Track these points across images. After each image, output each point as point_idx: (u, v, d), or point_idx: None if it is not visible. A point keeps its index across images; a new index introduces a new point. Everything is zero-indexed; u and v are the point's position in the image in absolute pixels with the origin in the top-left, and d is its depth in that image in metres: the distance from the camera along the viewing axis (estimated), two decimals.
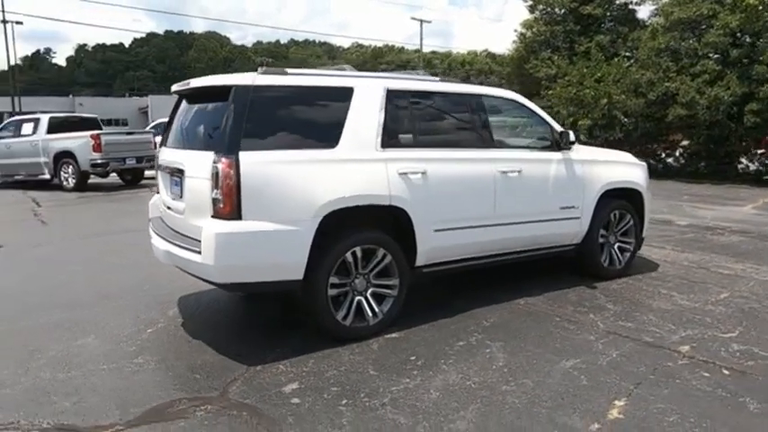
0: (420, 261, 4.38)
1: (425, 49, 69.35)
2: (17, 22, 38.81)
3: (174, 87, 4.46)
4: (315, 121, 4.01)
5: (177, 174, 4.11)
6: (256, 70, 3.90)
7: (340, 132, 3.99)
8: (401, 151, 4.23)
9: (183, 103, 4.50)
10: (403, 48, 73.55)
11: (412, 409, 3.15)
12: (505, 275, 5.65)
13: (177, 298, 5.10)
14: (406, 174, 4.17)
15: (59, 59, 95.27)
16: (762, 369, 3.57)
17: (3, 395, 3.39)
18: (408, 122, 4.36)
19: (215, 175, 3.57)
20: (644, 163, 6.02)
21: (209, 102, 4.07)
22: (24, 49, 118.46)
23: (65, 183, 14.01)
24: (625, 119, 16.04)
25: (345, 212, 3.92)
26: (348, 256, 3.99)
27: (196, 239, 3.71)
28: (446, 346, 3.98)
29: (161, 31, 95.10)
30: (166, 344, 4.17)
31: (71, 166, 13.81)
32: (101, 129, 15.15)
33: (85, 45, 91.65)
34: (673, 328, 4.30)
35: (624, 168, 5.75)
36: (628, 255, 5.77)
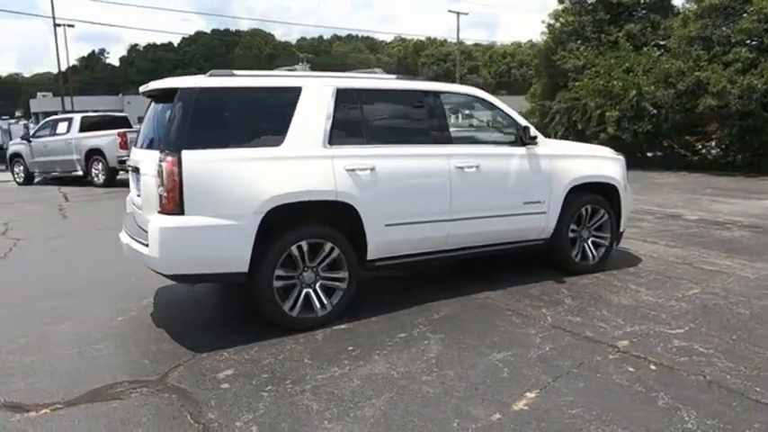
0: (372, 255, 4.50)
1: (469, 42, 68.79)
2: (69, 25, 40.62)
3: (140, 89, 4.71)
4: (262, 120, 4.19)
5: (136, 172, 4.37)
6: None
7: (286, 130, 4.15)
8: (349, 148, 4.36)
9: (151, 105, 4.75)
10: (445, 40, 72.87)
11: (328, 396, 3.30)
12: (480, 268, 5.72)
13: (156, 289, 5.39)
14: (353, 170, 4.30)
15: (113, 59, 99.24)
16: (692, 366, 3.55)
17: None
18: (358, 120, 4.49)
19: (160, 173, 3.80)
20: (621, 157, 5.94)
21: (164, 103, 4.30)
22: (81, 50, 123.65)
23: (95, 179, 14.77)
24: (654, 110, 15.58)
25: (290, 208, 4.09)
26: (294, 249, 4.16)
27: (147, 233, 3.95)
28: (387, 338, 4.10)
29: (209, 30, 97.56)
30: (130, 331, 4.45)
31: (101, 163, 14.54)
32: (130, 127, 15.81)
33: (137, 45, 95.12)
34: (621, 323, 4.29)
35: (597, 162, 5.70)
36: (603, 250, 5.72)
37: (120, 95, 50.20)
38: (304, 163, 4.16)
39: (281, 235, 4.11)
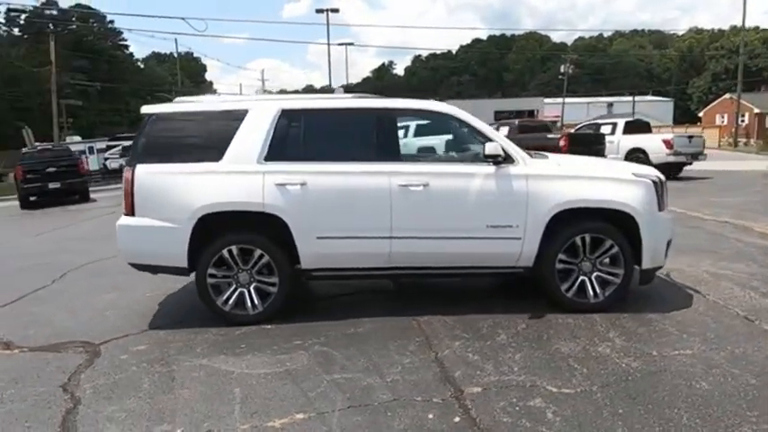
0: (306, 264, 4.81)
1: None
2: (349, 44, 46.90)
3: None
4: (208, 139, 4.84)
5: None
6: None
7: (226, 148, 4.75)
8: (283, 164, 4.73)
9: None
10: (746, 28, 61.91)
11: (167, 376, 3.84)
12: (474, 289, 5.47)
13: None
14: (283, 185, 4.68)
15: (399, 70, 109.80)
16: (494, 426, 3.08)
17: None
18: (298, 138, 4.82)
19: (123, 181, 4.79)
20: (647, 180, 4.91)
21: None
22: (374, 63, 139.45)
23: None
24: None
25: (220, 216, 4.69)
26: (224, 252, 4.74)
27: None
28: (282, 342, 4.40)
29: (485, 36, 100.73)
30: (133, 305, 5.58)
31: None
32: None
33: (420, 55, 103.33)
34: (489, 370, 3.79)
35: (600, 185, 4.85)
36: (612, 289, 4.88)
37: None
38: (235, 177, 4.70)
39: (214, 239, 4.73)
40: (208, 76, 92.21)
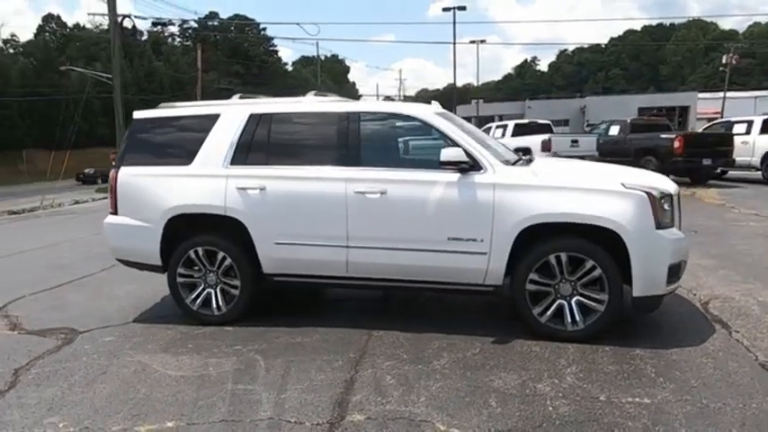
0: (266, 269, 4.79)
1: None
2: (482, 41, 46.04)
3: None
4: (182, 142, 4.99)
5: None
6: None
7: (197, 152, 4.88)
8: (246, 168, 4.75)
9: None
10: None
11: (102, 367, 4.05)
12: (471, 305, 5.12)
13: None
14: (244, 189, 4.70)
15: (543, 66, 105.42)
16: None
17: None
18: (264, 143, 4.79)
19: (110, 181, 5.13)
20: (639, 192, 4.16)
21: None
22: (517, 59, 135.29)
23: None
24: None
25: (187, 218, 4.83)
26: (191, 253, 4.88)
27: None
28: (222, 345, 4.42)
29: (639, 27, 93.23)
30: (150, 295, 5.95)
31: None
32: (552, 132, 17.54)
33: (566, 50, 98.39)
34: (392, 397, 3.46)
35: (580, 197, 4.20)
36: (596, 317, 4.25)
37: (526, 101, 53.58)
38: (202, 180, 4.81)
39: (181, 240, 4.89)
40: (351, 77, 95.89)
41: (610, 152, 16.07)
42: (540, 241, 4.29)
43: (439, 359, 4.05)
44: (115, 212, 5.08)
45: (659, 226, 4.16)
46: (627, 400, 3.40)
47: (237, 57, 64.75)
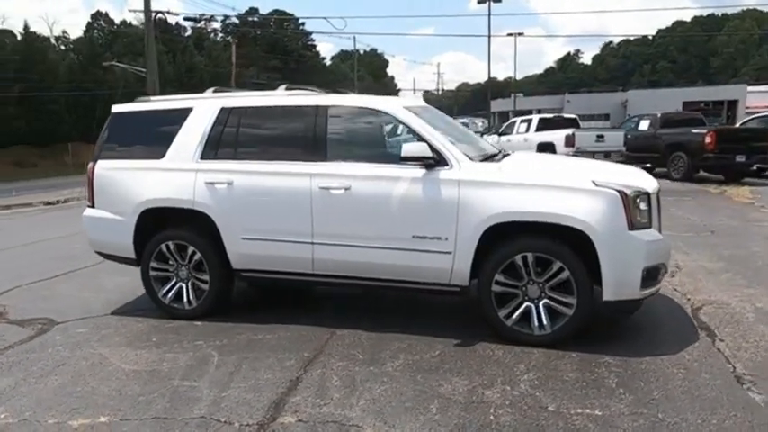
0: (235, 264, 4.75)
1: None
2: (519, 34, 45.19)
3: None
4: (156, 136, 4.98)
5: None
6: None
7: (169, 146, 4.88)
8: (215, 163, 4.71)
9: None
10: None
11: (66, 358, 4.09)
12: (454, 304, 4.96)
13: None
14: (212, 183, 4.67)
15: (586, 59, 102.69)
16: None
17: None
18: (233, 137, 4.74)
19: (87, 175, 5.18)
20: (610, 191, 3.91)
21: None
22: (560, 52, 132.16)
23: None
24: None
25: (158, 212, 4.84)
26: (163, 247, 4.88)
27: None
28: (184, 342, 4.40)
29: (688, 18, 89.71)
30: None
31: None
32: (578, 127, 17.14)
33: (611, 42, 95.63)
34: (332, 399, 3.36)
35: (547, 195, 3.98)
36: (563, 321, 4.05)
37: (565, 95, 52.35)
38: (173, 174, 4.79)
39: (153, 234, 4.90)
40: (390, 72, 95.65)
41: (638, 148, 15.50)
42: (507, 241, 4.10)
43: (394, 361, 3.93)
44: (92, 205, 5.12)
45: (633, 227, 3.92)
46: (576, 412, 3.21)
47: (276, 52, 65.40)
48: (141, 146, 5.05)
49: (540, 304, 4.12)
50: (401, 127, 4.62)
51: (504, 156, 4.86)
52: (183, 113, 4.92)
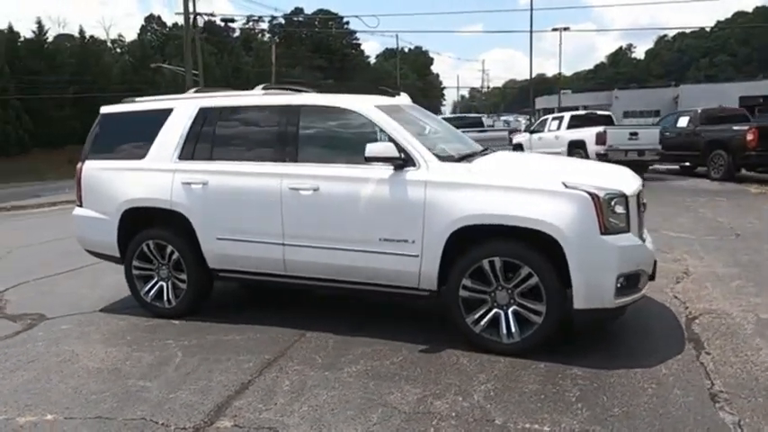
0: (211, 264, 4.76)
1: None
2: (565, 28, 43.98)
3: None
4: (140, 137, 5.01)
5: None
6: None
7: (151, 146, 4.93)
8: (192, 163, 4.73)
9: None
10: None
11: (42, 353, 4.19)
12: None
13: None
14: (189, 183, 4.69)
15: (639, 53, 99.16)
16: None
17: None
18: (210, 137, 4.74)
19: (76, 174, 5.30)
20: (581, 193, 3.68)
21: None
22: (612, 47, 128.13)
23: None
24: None
25: (140, 211, 4.90)
26: (144, 246, 4.94)
27: None
28: (154, 339, 4.44)
29: (750, 8, 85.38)
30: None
31: (580, 155, 14.08)
32: (612, 124, 16.36)
33: (665, 36, 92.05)
34: (275, 404, 3.28)
35: (513, 197, 3.79)
36: (533, 329, 3.87)
37: (614, 91, 50.71)
38: (152, 175, 4.84)
39: (134, 233, 4.97)
40: (435, 69, 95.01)
41: (676, 146, 14.81)
42: (475, 245, 3.94)
43: (352, 366, 3.83)
44: (81, 204, 5.23)
45: (606, 231, 3.70)
46: (524, 427, 3.04)
47: (320, 51, 66.02)
48: (126, 146, 5.12)
49: (509, 311, 3.94)
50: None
51: (484, 154, 4.68)
52: (164, 114, 4.96)
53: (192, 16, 22.38)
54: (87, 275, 6.73)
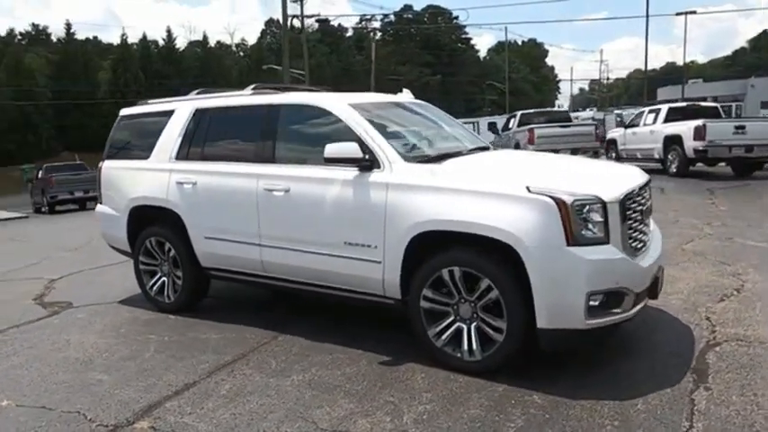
0: (202, 262, 4.84)
1: None
2: (691, 12, 40.36)
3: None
4: (148, 137, 5.21)
5: None
6: None
7: (154, 146, 5.11)
8: (186, 163, 4.84)
9: None
10: None
11: (40, 344, 4.51)
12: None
13: None
14: (181, 183, 4.80)
15: None
16: None
17: None
18: (203, 137, 4.81)
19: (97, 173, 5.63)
20: (545, 198, 3.23)
21: None
22: (756, 30, 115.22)
23: (670, 167, 13.86)
24: None
25: (144, 209, 5.11)
26: (147, 243, 5.15)
27: None
28: (146, 333, 4.60)
29: None
30: None
31: (676, 152, 13.60)
32: (719, 117, 14.86)
33: None
34: (204, 410, 3.21)
35: (470, 202, 3.42)
36: (495, 347, 3.51)
37: (750, 78, 45.69)
38: (155, 174, 5.01)
39: (141, 230, 5.19)
40: (550, 62, 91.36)
41: None
42: (438, 253, 3.65)
43: (302, 374, 3.70)
44: (101, 202, 5.56)
45: (574, 242, 3.25)
46: None
47: (429, 47, 65.91)
48: (136, 146, 5.37)
49: (472, 326, 3.60)
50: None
51: (471, 154, 4.34)
52: (168, 115, 5.12)
53: (290, 18, 23.03)
54: (127, 268, 7.11)
